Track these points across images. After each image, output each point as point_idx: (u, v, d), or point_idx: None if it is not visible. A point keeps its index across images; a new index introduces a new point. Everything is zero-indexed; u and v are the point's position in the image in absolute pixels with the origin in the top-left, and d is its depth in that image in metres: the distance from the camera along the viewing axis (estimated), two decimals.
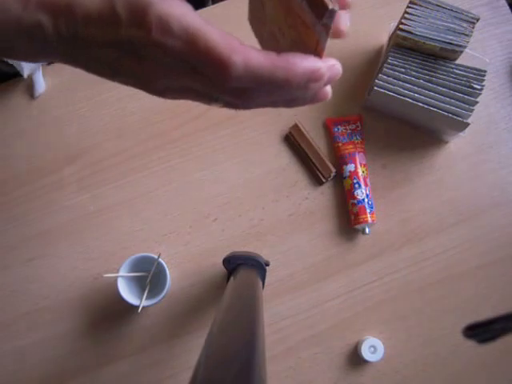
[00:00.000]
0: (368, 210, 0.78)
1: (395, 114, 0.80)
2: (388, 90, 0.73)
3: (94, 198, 0.81)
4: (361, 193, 0.78)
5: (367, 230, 0.78)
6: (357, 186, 0.78)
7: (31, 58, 0.41)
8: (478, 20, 0.71)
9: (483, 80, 0.72)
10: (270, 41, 0.44)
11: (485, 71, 0.72)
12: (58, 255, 0.80)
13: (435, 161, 0.82)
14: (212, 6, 0.87)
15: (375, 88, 0.73)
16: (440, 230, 0.81)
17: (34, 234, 0.80)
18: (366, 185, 0.79)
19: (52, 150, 0.82)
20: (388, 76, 0.73)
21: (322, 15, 0.33)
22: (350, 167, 0.79)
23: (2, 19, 0.39)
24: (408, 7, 0.72)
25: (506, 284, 0.80)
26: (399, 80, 0.73)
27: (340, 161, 0.81)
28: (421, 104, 0.72)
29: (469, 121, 0.71)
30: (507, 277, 0.80)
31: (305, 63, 0.38)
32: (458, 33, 0.71)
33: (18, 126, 0.83)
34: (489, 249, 0.81)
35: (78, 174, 0.82)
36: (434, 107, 0.72)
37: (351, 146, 0.80)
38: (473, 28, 0.71)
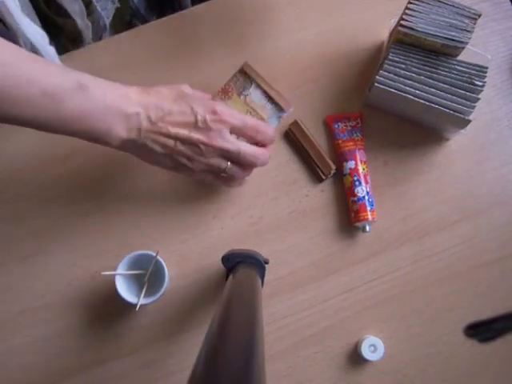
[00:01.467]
0: (368, 208, 0.77)
1: (396, 110, 0.79)
2: (389, 87, 0.72)
3: (92, 195, 0.81)
4: (361, 190, 0.78)
5: (367, 228, 0.78)
6: (357, 183, 0.78)
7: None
8: (479, 16, 0.71)
9: (485, 77, 0.71)
10: None
11: (486, 68, 0.72)
12: (54, 253, 0.80)
13: (436, 158, 0.82)
14: (206, 3, 0.87)
15: (376, 84, 0.73)
16: (441, 228, 0.80)
17: (30, 231, 0.80)
18: (366, 182, 0.78)
19: (49, 147, 0.82)
20: (389, 72, 0.72)
21: None
22: (351, 164, 0.79)
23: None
24: (409, 3, 0.71)
25: (508, 283, 0.80)
26: (400, 76, 0.72)
27: (340, 158, 0.80)
28: (422, 101, 0.72)
29: (470, 118, 0.71)
30: (508, 276, 0.80)
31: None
32: (460, 29, 0.70)
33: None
34: (490, 247, 0.80)
35: (74, 171, 0.81)
36: (435, 104, 0.71)
37: (351, 143, 0.80)
38: (474, 24, 0.70)
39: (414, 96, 0.72)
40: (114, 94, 0.59)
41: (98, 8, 0.89)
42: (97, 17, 0.91)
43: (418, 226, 0.80)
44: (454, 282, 0.80)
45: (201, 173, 0.67)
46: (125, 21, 0.88)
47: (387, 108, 0.80)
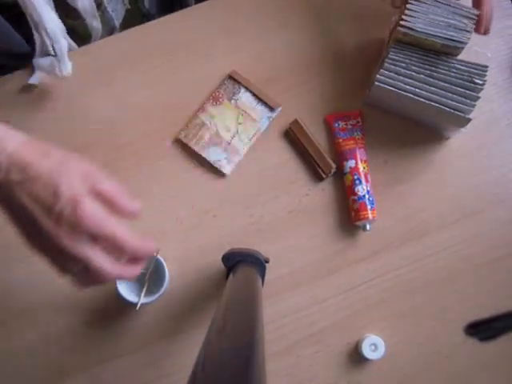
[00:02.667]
0: (369, 207, 0.77)
1: (396, 109, 0.79)
2: (389, 85, 0.72)
3: None
4: (361, 189, 0.78)
5: (368, 227, 0.78)
6: (357, 182, 0.78)
7: None
8: (478, 16, 0.70)
9: (485, 75, 0.71)
10: None
11: (487, 66, 0.72)
12: None
13: (436, 157, 0.82)
14: (206, 3, 0.87)
15: (376, 83, 0.73)
16: (441, 227, 0.80)
17: None
18: (366, 181, 0.78)
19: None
20: (389, 71, 0.72)
21: None
22: (351, 163, 0.78)
23: None
24: (408, 3, 0.71)
25: (508, 282, 0.80)
26: (400, 75, 0.72)
27: (340, 157, 0.80)
28: (422, 99, 0.71)
29: (470, 116, 0.71)
30: (509, 275, 0.80)
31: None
32: (459, 29, 0.70)
33: (15, 122, 0.82)
34: (491, 246, 0.80)
35: None
36: (435, 102, 0.71)
37: (352, 142, 0.79)
38: (473, 24, 0.70)
39: (414, 94, 0.72)
40: None
41: (109, 9, 0.89)
42: (107, 18, 0.91)
43: (419, 224, 0.80)
44: (454, 280, 0.79)
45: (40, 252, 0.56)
46: (136, 23, 0.88)
47: (387, 107, 0.80)
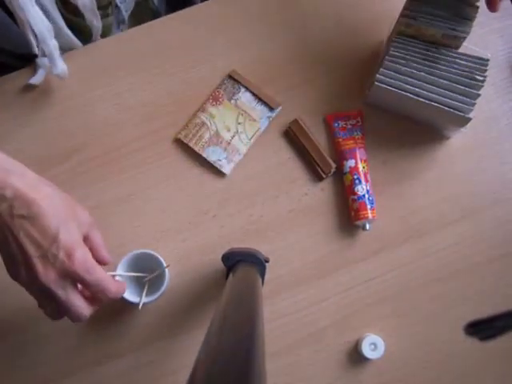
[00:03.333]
0: (368, 206, 0.77)
1: (396, 109, 0.79)
2: (389, 85, 0.72)
3: (91, 194, 0.81)
4: (361, 188, 0.78)
5: (368, 226, 0.78)
6: (357, 181, 0.78)
7: None
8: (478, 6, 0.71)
9: (485, 70, 0.71)
10: None
11: (487, 60, 0.72)
12: None
13: (436, 156, 0.82)
14: (205, 3, 0.87)
15: (376, 83, 0.73)
16: (441, 227, 0.80)
17: None
18: (366, 180, 0.78)
19: (48, 145, 0.82)
20: (389, 70, 0.72)
21: None
22: (351, 163, 0.79)
23: None
24: None
25: (508, 281, 0.80)
26: (400, 74, 0.72)
27: (340, 156, 0.80)
28: (422, 99, 0.71)
29: (470, 115, 0.71)
30: (509, 273, 0.80)
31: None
32: (462, 18, 0.70)
33: (16, 122, 0.82)
34: (490, 246, 0.80)
35: (74, 170, 0.81)
36: (436, 102, 0.71)
37: (351, 142, 0.80)
38: (475, 14, 0.70)
39: (414, 94, 0.72)
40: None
41: (117, 1, 0.88)
42: (116, 11, 0.90)
43: (419, 224, 0.80)
44: (454, 280, 0.80)
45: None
46: (145, 17, 0.88)
47: (387, 106, 0.80)
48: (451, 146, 0.82)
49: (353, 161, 0.79)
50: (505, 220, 0.81)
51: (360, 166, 0.79)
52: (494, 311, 0.39)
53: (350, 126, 0.81)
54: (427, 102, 0.71)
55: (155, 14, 1.01)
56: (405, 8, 0.71)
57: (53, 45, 0.76)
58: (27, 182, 0.52)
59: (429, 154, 0.82)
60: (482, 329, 0.40)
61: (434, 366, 0.79)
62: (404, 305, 0.79)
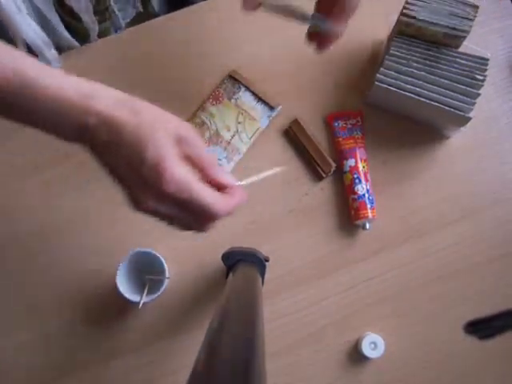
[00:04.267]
0: (368, 206, 0.77)
1: (396, 108, 0.79)
2: (389, 85, 0.72)
3: (93, 193, 0.81)
4: (361, 188, 0.78)
5: (367, 226, 0.78)
6: (357, 181, 0.78)
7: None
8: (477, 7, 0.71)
9: (485, 70, 0.71)
10: None
11: (487, 59, 0.72)
12: (56, 250, 0.80)
13: (436, 156, 0.82)
14: (205, 2, 0.87)
15: (376, 83, 0.73)
16: (441, 226, 0.80)
17: (32, 229, 0.80)
18: (366, 180, 0.78)
19: (49, 144, 0.82)
20: (389, 69, 0.72)
21: None
22: (351, 162, 0.79)
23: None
24: None
25: (508, 280, 0.80)
26: (400, 73, 0.72)
27: (340, 156, 0.80)
28: (422, 99, 0.71)
29: (470, 115, 0.71)
30: (508, 273, 0.80)
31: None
32: (461, 17, 0.70)
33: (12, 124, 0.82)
34: (490, 246, 0.80)
35: (75, 169, 0.81)
36: (436, 101, 0.71)
37: (351, 141, 0.80)
38: (476, 12, 0.70)
39: (415, 94, 0.72)
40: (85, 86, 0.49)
41: (115, 9, 0.88)
42: (113, 17, 0.90)
43: (418, 223, 0.81)
44: (454, 279, 0.80)
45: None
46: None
47: (387, 106, 0.80)
48: (451, 146, 0.82)
49: (353, 160, 0.79)
50: (505, 220, 0.81)
51: (360, 165, 0.79)
52: (493, 311, 0.39)
53: (350, 126, 0.81)
54: (427, 101, 0.71)
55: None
56: (405, 8, 0.71)
57: (51, 55, 0.75)
58: (109, 105, 0.48)
59: (429, 154, 0.82)
60: (482, 328, 0.40)
61: (433, 365, 0.79)
62: (404, 304, 0.79)
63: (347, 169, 0.79)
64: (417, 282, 0.80)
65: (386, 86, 0.72)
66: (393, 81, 0.72)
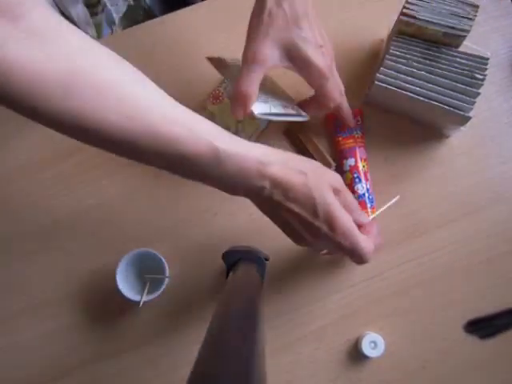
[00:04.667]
0: (368, 205, 0.77)
1: (396, 108, 0.79)
2: (389, 84, 0.72)
3: (93, 192, 0.81)
4: (361, 187, 0.78)
5: None
6: (357, 180, 0.78)
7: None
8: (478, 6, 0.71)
9: (485, 69, 0.71)
10: None
11: (487, 59, 0.71)
12: (56, 250, 0.80)
13: (436, 155, 0.82)
14: (205, 2, 0.87)
15: (376, 82, 0.73)
16: (441, 225, 0.81)
17: (32, 228, 0.80)
18: (366, 179, 0.78)
19: (51, 143, 0.82)
20: (389, 69, 0.72)
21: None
22: (351, 161, 0.79)
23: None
24: None
25: (508, 280, 0.80)
26: (400, 73, 0.72)
27: (340, 155, 0.80)
28: (422, 98, 0.71)
29: (470, 114, 0.71)
30: (508, 272, 0.80)
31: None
32: (462, 17, 0.70)
33: (18, 121, 0.82)
34: (490, 244, 0.80)
35: (77, 168, 0.81)
36: (436, 101, 0.71)
37: (351, 141, 0.80)
38: (476, 12, 0.70)
39: (415, 93, 0.72)
40: (250, 163, 0.56)
41: (108, 4, 0.88)
42: (106, 12, 0.91)
43: (418, 222, 0.81)
44: (454, 278, 0.80)
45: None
46: (137, 21, 0.88)
47: (387, 106, 0.80)
48: (451, 145, 0.82)
49: (353, 160, 0.79)
50: (505, 219, 0.81)
51: (360, 164, 0.79)
52: (493, 310, 0.39)
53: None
54: (427, 101, 0.71)
55: (148, 14, 1.01)
56: (405, 7, 0.71)
57: None
58: (279, 169, 0.56)
59: (428, 153, 0.82)
60: (482, 327, 0.40)
61: (433, 364, 0.79)
62: (404, 303, 0.79)
63: (347, 168, 0.79)
64: (416, 280, 0.80)
65: (386, 85, 0.72)
66: (393, 80, 0.72)
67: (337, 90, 0.70)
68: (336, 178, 0.61)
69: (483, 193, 0.81)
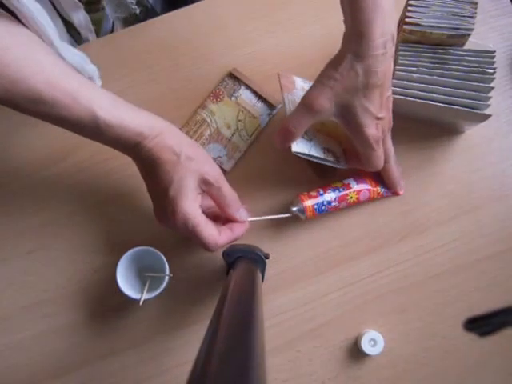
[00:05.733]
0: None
1: (409, 114, 0.78)
2: (403, 95, 0.71)
3: (94, 190, 0.81)
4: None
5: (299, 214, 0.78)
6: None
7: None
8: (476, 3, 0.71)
9: (494, 62, 0.71)
10: None
11: (493, 51, 0.72)
12: (56, 248, 0.80)
13: (435, 154, 0.82)
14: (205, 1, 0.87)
15: (394, 96, 0.70)
16: (440, 223, 0.81)
17: (32, 226, 0.80)
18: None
19: (52, 141, 0.82)
20: (401, 80, 0.71)
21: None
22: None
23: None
24: None
25: (507, 277, 0.80)
26: (412, 81, 0.71)
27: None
28: (439, 104, 0.71)
29: (488, 110, 0.71)
30: (508, 270, 0.80)
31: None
32: (463, 16, 0.70)
33: (17, 119, 0.83)
34: (489, 242, 0.81)
35: (77, 166, 0.81)
36: (452, 104, 0.71)
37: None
38: (475, 9, 0.70)
39: (431, 100, 0.71)
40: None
41: (107, 7, 0.89)
42: (106, 8, 0.91)
43: (418, 220, 0.81)
44: (453, 276, 0.80)
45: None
46: (139, 20, 0.88)
47: (400, 114, 0.77)
48: (451, 144, 0.82)
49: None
50: (504, 217, 0.81)
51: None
52: (492, 307, 0.39)
53: None
54: (444, 105, 0.71)
55: (149, 12, 1.01)
56: (407, 16, 0.71)
57: (91, 69, 0.75)
58: (155, 144, 0.62)
59: (428, 151, 0.82)
60: (481, 324, 0.40)
61: (433, 361, 0.79)
62: (403, 301, 0.80)
63: None
64: (416, 278, 0.80)
65: (399, 96, 0.71)
66: (406, 90, 0.71)
67: (380, 161, 0.70)
68: (214, 172, 0.65)
69: (482, 191, 0.81)
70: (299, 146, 0.69)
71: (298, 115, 0.66)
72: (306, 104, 0.64)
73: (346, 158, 0.75)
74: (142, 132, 0.61)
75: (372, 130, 0.65)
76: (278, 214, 0.77)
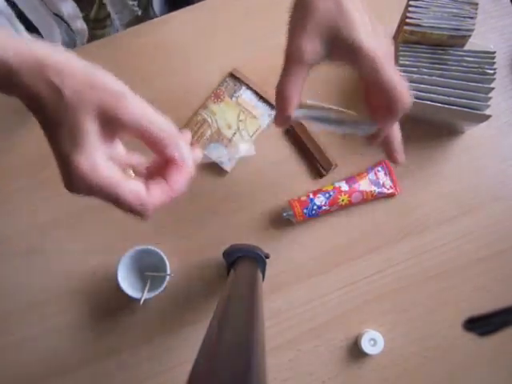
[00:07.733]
0: None
1: (408, 114, 0.78)
2: None
3: None
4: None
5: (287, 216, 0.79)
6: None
7: None
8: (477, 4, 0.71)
9: (494, 63, 0.72)
10: None
11: (493, 52, 0.72)
12: (57, 248, 0.80)
13: (435, 154, 0.82)
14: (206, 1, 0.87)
15: None
16: (440, 223, 0.81)
17: (33, 226, 0.80)
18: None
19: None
20: None
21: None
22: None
23: None
24: (410, 0, 0.72)
25: (507, 277, 0.80)
26: (413, 82, 0.71)
27: None
28: (439, 104, 0.71)
29: (488, 111, 0.71)
30: (508, 270, 0.80)
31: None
32: (463, 17, 0.70)
33: (17, 119, 0.83)
34: (489, 242, 0.81)
35: None
36: (452, 104, 0.71)
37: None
38: (476, 10, 0.70)
39: (431, 100, 0.71)
40: None
41: (115, 17, 0.88)
42: (113, 23, 0.91)
43: (418, 220, 0.81)
44: (453, 275, 0.80)
45: None
46: (140, 21, 0.88)
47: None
48: (451, 144, 0.82)
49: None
50: (504, 217, 0.81)
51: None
52: (492, 307, 0.39)
53: None
54: (444, 106, 0.71)
55: (149, 13, 1.01)
56: (407, 17, 0.71)
57: (80, 24, 0.75)
58: (30, 78, 0.44)
59: (428, 152, 0.82)
60: (481, 324, 0.40)
61: (432, 361, 0.79)
62: (403, 301, 0.80)
63: None
64: (416, 278, 0.80)
65: None
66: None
67: (405, 86, 0.53)
68: (111, 98, 0.46)
69: (482, 191, 0.81)
70: (301, 112, 0.59)
71: (288, 74, 0.55)
72: (295, 56, 0.53)
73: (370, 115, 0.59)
74: (6, 61, 0.42)
75: (372, 42, 0.50)
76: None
